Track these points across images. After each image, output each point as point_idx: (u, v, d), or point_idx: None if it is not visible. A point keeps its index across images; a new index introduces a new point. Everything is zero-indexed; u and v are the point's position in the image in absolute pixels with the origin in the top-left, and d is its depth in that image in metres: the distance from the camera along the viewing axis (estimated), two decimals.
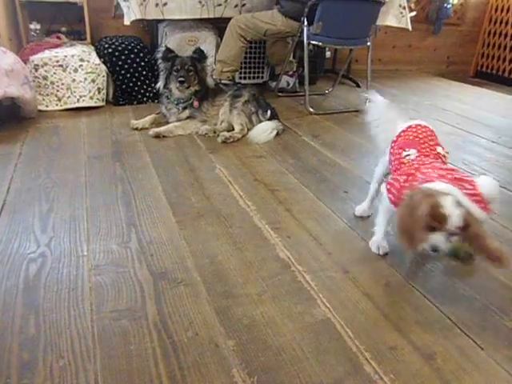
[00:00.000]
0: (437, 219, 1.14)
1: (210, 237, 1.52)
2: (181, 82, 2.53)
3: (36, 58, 2.80)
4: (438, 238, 1.16)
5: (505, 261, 1.14)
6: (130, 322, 1.15)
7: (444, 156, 1.44)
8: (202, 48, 2.67)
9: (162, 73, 2.65)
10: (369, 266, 1.43)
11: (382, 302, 1.26)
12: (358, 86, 3.90)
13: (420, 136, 1.47)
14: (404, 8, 3.71)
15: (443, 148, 1.47)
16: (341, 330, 1.16)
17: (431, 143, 1.45)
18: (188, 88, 2.57)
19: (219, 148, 2.32)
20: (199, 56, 2.62)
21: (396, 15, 3.70)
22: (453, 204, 1.14)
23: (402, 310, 1.24)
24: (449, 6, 4.87)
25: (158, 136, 2.43)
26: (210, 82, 2.75)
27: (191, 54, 2.63)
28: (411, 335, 1.15)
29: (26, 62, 2.73)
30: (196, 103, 2.61)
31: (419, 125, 1.51)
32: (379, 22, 3.18)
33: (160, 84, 2.67)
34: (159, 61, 2.64)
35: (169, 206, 1.70)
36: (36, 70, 2.80)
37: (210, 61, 2.75)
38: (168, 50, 2.61)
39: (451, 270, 1.45)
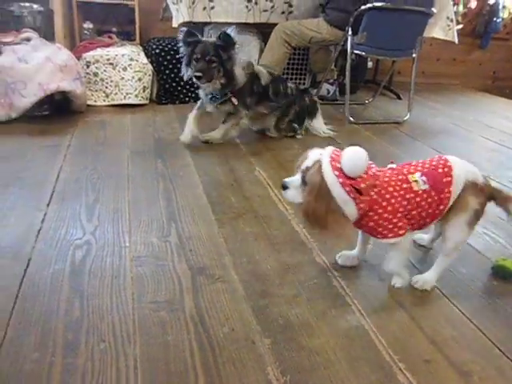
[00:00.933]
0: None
1: (248, 237, 1.55)
2: (198, 78, 2.15)
3: (88, 56, 2.92)
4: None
5: None
6: (168, 314, 1.18)
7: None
8: (228, 32, 2.18)
9: (183, 59, 2.29)
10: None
11: (418, 314, 1.25)
12: (399, 98, 3.87)
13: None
14: (452, 21, 3.66)
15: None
16: (374, 338, 1.16)
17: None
18: (210, 82, 2.19)
19: (260, 151, 2.35)
20: (225, 42, 2.17)
21: (443, 27, 3.65)
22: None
23: (437, 324, 1.23)
24: (499, 20, 4.76)
25: (207, 142, 2.38)
26: (239, 74, 2.32)
27: (215, 40, 2.21)
28: (447, 350, 1.14)
29: (78, 58, 2.85)
30: (235, 100, 2.30)
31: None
32: (425, 34, 3.15)
33: (184, 73, 2.33)
34: (180, 43, 2.27)
35: (209, 205, 1.74)
36: (87, 66, 2.92)
37: (238, 47, 2.29)
38: (189, 33, 2.22)
39: (491, 289, 1.42)
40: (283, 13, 3.30)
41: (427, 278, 1.38)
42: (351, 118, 3.00)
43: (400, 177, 1.28)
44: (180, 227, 1.57)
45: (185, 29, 2.23)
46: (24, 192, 1.74)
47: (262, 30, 3.45)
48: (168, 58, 3.17)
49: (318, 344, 1.13)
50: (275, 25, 3.23)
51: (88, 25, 3.41)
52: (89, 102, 2.92)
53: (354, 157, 1.21)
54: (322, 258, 1.47)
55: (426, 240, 1.61)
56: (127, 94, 2.99)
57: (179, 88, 3.19)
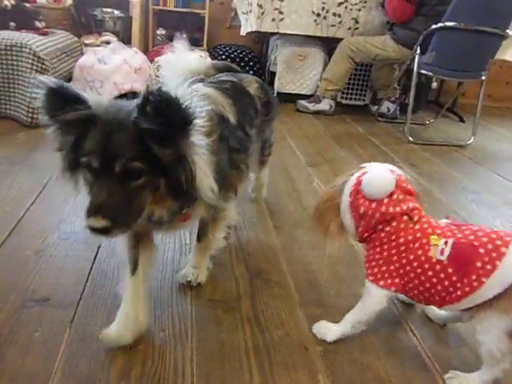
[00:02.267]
0: None
1: (305, 245, 1.58)
2: (99, 231, 0.84)
3: (160, 59, 3.07)
4: None
5: None
6: (225, 313, 1.23)
7: None
8: (172, 95, 0.81)
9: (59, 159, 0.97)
10: None
11: (472, 341, 1.23)
12: (463, 120, 3.76)
13: None
14: None
15: None
16: (428, 361, 1.15)
17: None
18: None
19: (318, 162, 2.38)
20: (167, 121, 0.82)
21: None
22: None
23: None
24: None
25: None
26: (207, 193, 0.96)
27: (138, 117, 0.82)
28: None
29: (151, 61, 3.01)
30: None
31: None
32: (497, 56, 3.06)
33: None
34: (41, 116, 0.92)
35: (267, 211, 1.79)
36: (158, 69, 3.07)
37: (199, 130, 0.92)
38: (59, 96, 0.86)
39: None
40: (349, 28, 3.33)
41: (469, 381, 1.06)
42: (410, 138, 2.97)
43: (422, 233, 1.06)
44: (239, 230, 1.63)
45: (47, 85, 0.87)
46: None
47: (328, 44, 3.49)
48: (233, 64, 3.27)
49: (370, 359, 1.14)
50: (341, 39, 3.27)
51: (161, 31, 3.59)
52: None
53: (374, 181, 1.10)
54: None
55: (438, 316, 1.28)
56: None
57: None
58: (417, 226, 1.07)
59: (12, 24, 2.53)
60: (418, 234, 1.06)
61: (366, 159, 2.51)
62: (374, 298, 1.12)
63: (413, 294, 1.08)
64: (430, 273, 1.02)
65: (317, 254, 1.55)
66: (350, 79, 3.46)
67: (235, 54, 3.33)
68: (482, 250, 0.97)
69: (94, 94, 0.95)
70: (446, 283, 1.00)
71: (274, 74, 3.47)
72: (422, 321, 1.29)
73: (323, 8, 3.22)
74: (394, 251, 1.08)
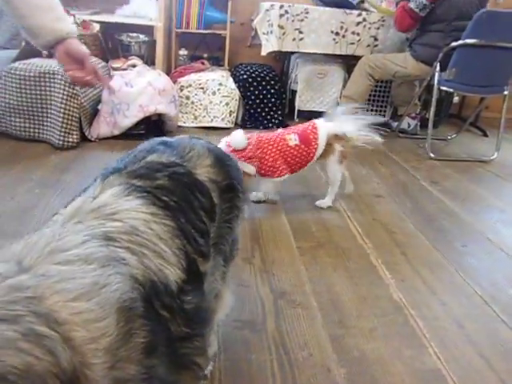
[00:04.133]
0: None
1: (327, 266, 1.61)
2: None
3: (183, 80, 3.17)
4: None
5: None
6: (251, 333, 1.27)
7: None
8: None
9: None
10: (486, 325, 1.40)
11: (500, 367, 1.24)
12: (486, 135, 3.73)
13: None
14: None
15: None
16: None
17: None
18: None
19: (340, 182, 2.40)
20: None
21: None
22: None
23: None
24: None
25: None
26: None
27: None
28: None
29: (174, 82, 3.11)
30: None
31: None
32: None
33: None
34: None
35: (291, 232, 1.83)
36: (181, 90, 3.17)
37: None
38: None
39: None
40: (368, 46, 3.37)
41: (326, 201, 2.07)
42: (432, 154, 2.96)
43: (279, 138, 1.97)
44: (264, 251, 1.67)
45: None
46: None
47: (347, 61, 3.53)
48: (255, 84, 3.35)
49: (393, 382, 1.16)
50: (360, 57, 3.30)
51: (183, 51, 3.69)
52: (179, 123, 3.15)
53: (235, 138, 1.93)
54: (398, 295, 1.50)
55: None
56: (214, 117, 3.20)
57: (263, 114, 3.34)
58: (275, 139, 1.97)
59: (45, 52, 2.66)
60: (279, 138, 1.98)
61: (388, 177, 2.54)
62: (277, 183, 2.02)
63: (294, 169, 2.01)
64: (296, 152, 1.97)
65: (339, 274, 1.58)
66: (369, 96, 3.48)
67: (256, 73, 3.40)
68: (309, 131, 1.98)
69: None
70: (304, 153, 1.97)
71: (294, 92, 3.52)
72: (445, 344, 1.30)
73: (342, 27, 3.27)
74: (272, 154, 1.95)
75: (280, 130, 2.06)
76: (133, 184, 0.69)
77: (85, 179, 2.14)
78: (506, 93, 2.99)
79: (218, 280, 0.88)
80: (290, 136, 1.99)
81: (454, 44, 2.80)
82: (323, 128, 1.99)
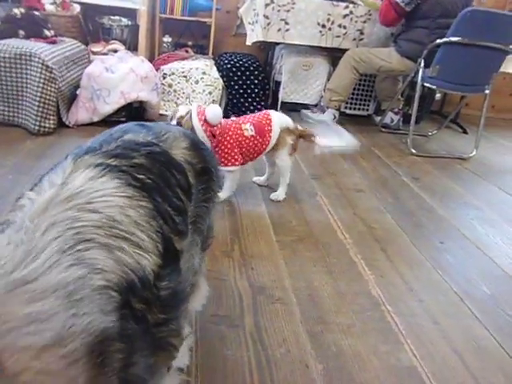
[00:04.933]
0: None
1: (307, 261, 1.61)
2: None
3: (165, 68, 3.11)
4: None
5: None
6: (228, 329, 1.26)
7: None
8: None
9: None
10: (460, 322, 1.42)
11: (473, 364, 1.25)
12: (466, 132, 3.78)
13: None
14: None
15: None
16: (427, 381, 1.17)
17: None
18: None
19: (321, 175, 2.40)
20: None
21: None
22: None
23: (494, 378, 1.22)
24: None
25: None
26: None
27: None
28: None
29: (157, 70, 3.04)
30: None
31: None
32: (501, 69, 3.08)
33: None
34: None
35: (271, 225, 1.82)
36: (164, 78, 3.10)
37: None
38: None
39: None
40: (354, 39, 3.36)
41: (279, 193, 2.05)
42: (413, 150, 2.99)
43: (235, 126, 1.95)
44: (243, 244, 1.65)
45: None
46: None
47: (333, 54, 3.52)
48: (238, 73, 3.31)
49: (369, 378, 1.16)
50: (346, 50, 3.29)
51: (167, 38, 3.62)
52: (160, 111, 3.10)
53: (215, 112, 1.88)
54: (377, 291, 1.50)
55: (262, 180, 2.20)
56: None
57: (246, 104, 3.31)
58: (232, 128, 1.94)
59: (21, 32, 2.57)
60: (237, 127, 1.95)
61: (369, 172, 2.55)
62: (236, 173, 1.99)
63: (247, 160, 2.01)
64: (251, 144, 1.96)
65: (318, 269, 1.57)
66: (354, 89, 3.48)
67: (240, 62, 3.36)
68: (264, 122, 1.98)
69: None
70: (259, 144, 1.97)
71: (278, 83, 3.50)
72: (421, 340, 1.31)
73: (328, 19, 3.25)
74: (231, 141, 1.93)
75: (234, 118, 2.03)
76: (108, 164, 0.66)
77: None
78: (487, 92, 3.04)
79: (194, 257, 0.86)
80: (246, 126, 1.96)
81: (438, 41, 2.82)
82: (277, 120, 2.01)
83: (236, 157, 1.95)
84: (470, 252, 1.85)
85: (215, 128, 1.89)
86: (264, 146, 1.99)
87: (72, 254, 0.53)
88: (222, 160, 1.93)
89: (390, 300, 1.47)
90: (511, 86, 4.53)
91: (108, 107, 2.64)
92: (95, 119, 2.68)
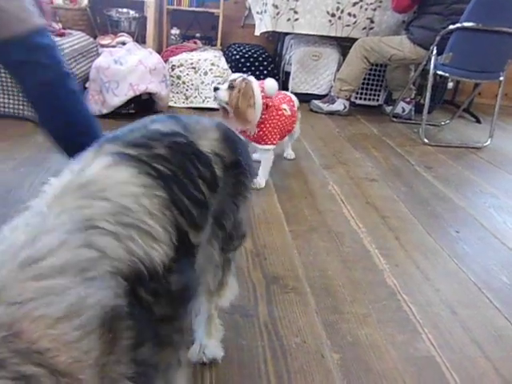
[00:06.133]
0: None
1: (320, 251, 1.58)
2: None
3: (174, 59, 3.09)
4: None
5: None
6: (242, 318, 1.24)
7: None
8: None
9: None
10: (480, 312, 1.39)
11: (493, 354, 1.22)
12: (479, 121, 3.71)
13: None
14: None
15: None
16: (446, 372, 1.15)
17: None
18: None
19: (333, 165, 2.37)
20: None
21: None
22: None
23: None
24: None
25: None
26: None
27: None
28: None
29: (165, 62, 3.02)
30: None
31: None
32: None
33: None
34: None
35: (283, 215, 1.79)
36: (172, 69, 3.08)
37: None
38: None
39: None
40: (364, 28, 3.31)
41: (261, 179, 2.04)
42: (426, 140, 2.94)
43: (276, 106, 2.02)
44: (255, 234, 1.63)
45: None
46: None
47: (342, 44, 3.47)
48: (247, 64, 3.28)
49: (386, 368, 1.14)
50: (356, 39, 3.24)
51: (175, 30, 3.60)
52: (169, 103, 3.08)
53: (273, 84, 1.97)
54: (392, 281, 1.48)
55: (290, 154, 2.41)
56: (206, 97, 3.12)
57: None
58: (275, 107, 2.01)
59: None
60: (277, 110, 2.03)
61: (381, 161, 2.51)
62: (271, 153, 2.05)
63: (280, 139, 2.10)
64: (288, 122, 2.10)
65: (332, 259, 1.55)
66: (364, 79, 3.43)
67: (249, 53, 3.33)
68: (291, 104, 2.18)
69: None
70: (291, 123, 2.14)
71: (288, 73, 3.46)
72: (439, 330, 1.28)
73: (338, 8, 3.20)
74: (275, 121, 2.00)
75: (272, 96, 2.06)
76: (126, 153, 0.65)
77: None
78: (501, 79, 2.97)
79: (214, 254, 0.84)
80: (284, 106, 2.08)
81: (451, 27, 2.76)
82: (296, 101, 2.25)
83: (275, 136, 2.02)
84: (488, 241, 1.81)
85: (269, 99, 1.97)
86: (293, 125, 2.19)
87: (81, 238, 0.52)
88: (264, 138, 1.99)
89: (406, 289, 1.44)
90: None
91: (117, 99, 2.62)
92: (104, 111, 2.66)
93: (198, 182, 0.72)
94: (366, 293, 1.41)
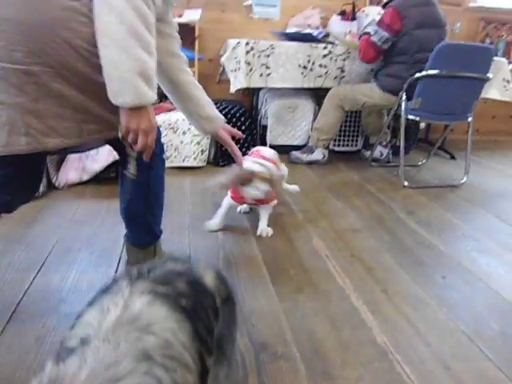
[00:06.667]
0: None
1: (308, 312, 1.56)
2: None
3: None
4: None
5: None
6: None
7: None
8: None
9: None
10: (472, 364, 1.37)
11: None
12: (454, 157, 3.82)
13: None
14: (508, 82, 3.65)
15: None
16: None
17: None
18: None
19: (316, 218, 2.38)
20: None
21: (499, 88, 3.65)
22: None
23: None
24: None
25: None
26: None
27: None
28: None
29: None
30: None
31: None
32: (482, 95, 3.14)
33: None
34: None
35: (269, 276, 1.78)
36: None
37: None
38: None
39: None
40: (336, 78, 3.43)
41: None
42: (406, 183, 2.99)
43: None
44: (242, 300, 1.61)
45: None
46: (94, 257, 1.86)
47: (317, 93, 3.58)
48: (225, 121, 3.33)
49: None
50: (329, 89, 3.35)
51: None
52: None
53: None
54: (382, 338, 1.46)
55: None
56: (186, 157, 3.16)
57: None
58: None
59: None
60: None
61: (363, 210, 2.54)
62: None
63: None
64: None
65: (320, 320, 1.53)
66: (341, 126, 3.52)
67: (226, 110, 3.40)
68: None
69: None
70: None
71: (265, 127, 3.54)
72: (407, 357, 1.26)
73: (309, 60, 3.33)
74: None
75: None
76: (158, 292, 0.77)
77: (53, 232, 2.06)
78: (469, 120, 3.09)
79: (219, 374, 0.95)
80: None
81: (417, 75, 2.88)
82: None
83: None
84: (474, 285, 1.82)
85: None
86: None
87: (143, 367, 0.65)
88: (271, 197, 2.14)
89: (398, 347, 1.42)
90: (492, 109, 4.63)
91: (97, 165, 2.64)
92: (85, 178, 2.67)
93: (209, 314, 0.86)
94: (357, 354, 1.38)
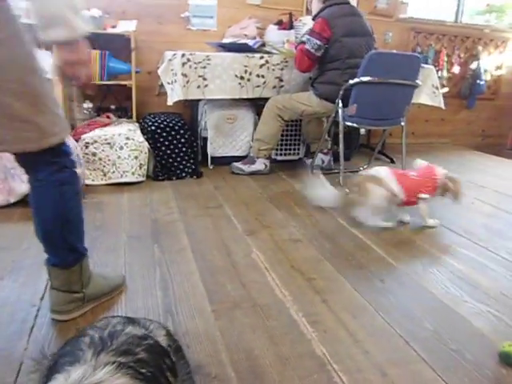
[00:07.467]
0: None
1: (245, 329, 1.51)
2: None
3: (87, 137, 3.01)
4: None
5: None
6: None
7: None
8: None
9: None
10: (408, 368, 1.38)
11: None
12: (393, 161, 3.94)
13: None
14: (437, 88, 3.82)
15: None
16: None
17: None
18: None
19: (256, 230, 2.34)
20: None
21: (429, 94, 3.81)
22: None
23: None
24: (482, 83, 4.94)
25: None
26: None
27: None
28: None
29: (77, 140, 2.94)
30: None
31: None
32: (413, 100, 3.27)
33: None
34: None
35: (205, 293, 1.71)
36: (86, 147, 3.00)
37: None
38: None
39: (501, 379, 1.37)
40: (275, 87, 3.44)
41: None
42: (347, 190, 3.03)
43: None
44: (177, 320, 1.54)
45: None
46: (17, 285, 1.73)
47: (256, 103, 3.58)
48: (164, 134, 3.26)
49: None
50: (268, 98, 3.36)
51: (88, 104, 3.54)
52: (87, 182, 2.96)
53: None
54: (321, 350, 1.43)
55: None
56: (124, 172, 3.05)
57: (175, 164, 3.25)
58: None
59: None
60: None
61: (305, 219, 2.53)
62: None
63: None
64: None
65: (258, 336, 1.48)
66: (282, 135, 3.53)
67: (165, 123, 3.32)
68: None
69: None
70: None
71: (206, 139, 3.49)
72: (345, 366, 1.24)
73: (246, 71, 3.32)
74: None
75: None
76: (119, 362, 0.80)
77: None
78: (402, 124, 3.20)
79: None
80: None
81: (351, 82, 2.94)
82: None
83: None
84: (409, 286, 1.85)
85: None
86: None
87: None
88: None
89: (336, 357, 1.40)
90: (425, 113, 4.85)
91: (25, 186, 2.47)
92: (12, 200, 2.50)
93: (167, 375, 0.90)
94: (295, 368, 1.35)
